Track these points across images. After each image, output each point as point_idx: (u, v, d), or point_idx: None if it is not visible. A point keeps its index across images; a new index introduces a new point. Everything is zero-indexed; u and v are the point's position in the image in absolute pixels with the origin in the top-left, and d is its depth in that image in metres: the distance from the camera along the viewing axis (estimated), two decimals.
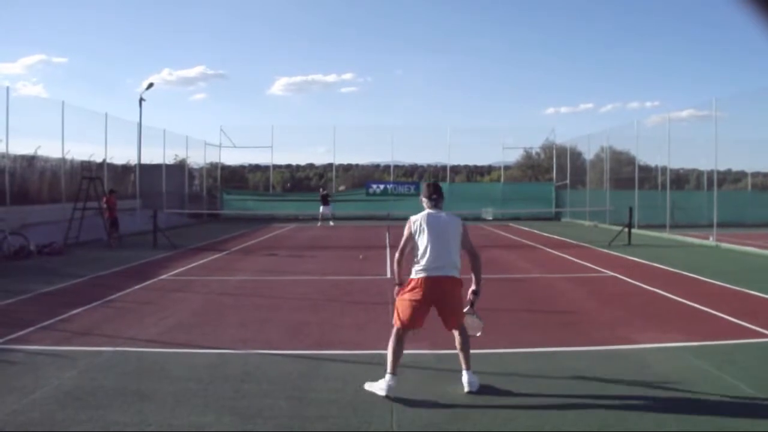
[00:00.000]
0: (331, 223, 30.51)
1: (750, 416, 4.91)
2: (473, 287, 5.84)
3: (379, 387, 5.36)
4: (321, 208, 30.87)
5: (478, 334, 5.93)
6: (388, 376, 5.40)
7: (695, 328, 8.06)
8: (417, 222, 5.74)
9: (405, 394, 5.37)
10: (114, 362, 6.45)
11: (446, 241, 5.65)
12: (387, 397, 5.25)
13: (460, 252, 5.77)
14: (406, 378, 5.81)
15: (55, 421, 4.75)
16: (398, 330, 5.57)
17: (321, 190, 33.72)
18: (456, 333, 5.75)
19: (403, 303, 5.61)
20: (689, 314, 9.02)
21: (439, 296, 5.57)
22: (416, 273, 5.62)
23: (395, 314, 5.65)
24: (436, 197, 5.88)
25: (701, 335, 7.56)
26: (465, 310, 5.86)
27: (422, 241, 5.65)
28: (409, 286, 5.63)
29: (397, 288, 5.83)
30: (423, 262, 5.59)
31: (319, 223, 30.55)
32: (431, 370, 6.17)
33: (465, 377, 5.59)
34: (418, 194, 35.39)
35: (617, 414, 4.93)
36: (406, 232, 5.78)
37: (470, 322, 5.89)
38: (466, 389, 5.51)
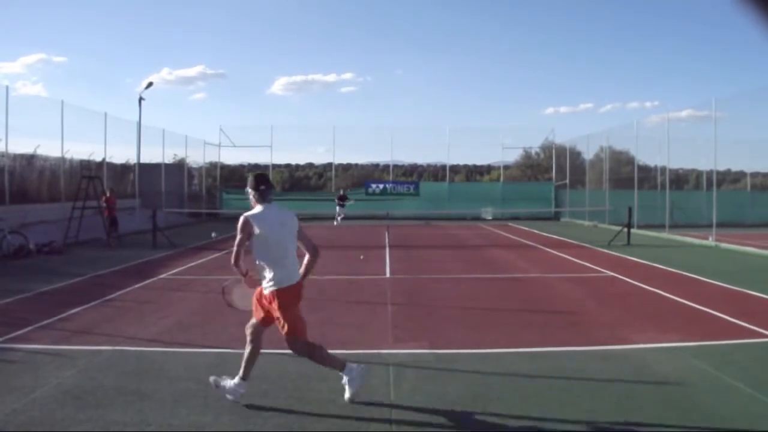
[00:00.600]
0: (335, 222, 30.73)
1: (748, 416, 4.91)
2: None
3: (227, 390, 5.13)
4: (337, 208, 31.25)
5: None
6: (240, 381, 5.19)
7: (694, 328, 8.06)
8: (259, 222, 5.14)
9: (404, 393, 5.38)
10: (113, 361, 6.45)
11: (292, 240, 5.29)
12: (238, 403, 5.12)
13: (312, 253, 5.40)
14: (406, 378, 5.82)
15: (54, 421, 4.75)
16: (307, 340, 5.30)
17: (340, 191, 33.81)
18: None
19: (296, 316, 5.22)
20: (688, 314, 9.03)
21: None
22: (282, 282, 5.12)
23: (296, 327, 5.19)
24: (264, 189, 5.31)
25: (700, 335, 7.57)
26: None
27: (273, 245, 5.15)
28: (290, 298, 5.16)
29: (243, 278, 5.35)
30: (283, 268, 5.15)
31: (335, 222, 30.82)
32: (431, 369, 6.17)
33: (234, 382, 5.26)
34: (417, 194, 35.82)
35: (616, 414, 4.94)
36: (241, 233, 5.14)
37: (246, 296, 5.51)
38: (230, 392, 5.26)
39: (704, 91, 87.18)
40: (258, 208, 5.26)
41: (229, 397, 5.16)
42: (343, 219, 31.10)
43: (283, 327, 5.17)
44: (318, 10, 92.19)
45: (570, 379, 5.85)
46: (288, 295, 5.11)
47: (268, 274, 5.13)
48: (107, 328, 7.98)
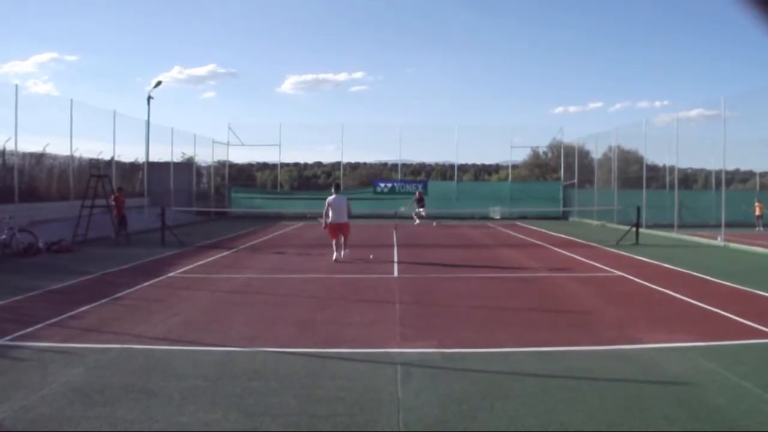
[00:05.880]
0: (417, 222, 30.19)
1: (757, 416, 4.89)
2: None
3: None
4: (416, 208, 30.76)
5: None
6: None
7: (703, 328, 8.03)
8: (329, 199, 14.91)
9: (412, 392, 5.38)
10: (122, 359, 6.48)
11: (341, 208, 14.89)
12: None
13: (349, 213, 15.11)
14: (414, 376, 5.82)
15: (63, 418, 4.78)
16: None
17: (419, 189, 33.53)
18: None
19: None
20: (697, 314, 8.99)
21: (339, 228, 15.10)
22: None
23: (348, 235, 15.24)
24: (333, 188, 15.27)
25: (709, 335, 7.54)
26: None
27: (331, 208, 14.84)
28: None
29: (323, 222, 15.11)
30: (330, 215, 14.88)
31: (416, 221, 30.25)
32: (438, 369, 6.17)
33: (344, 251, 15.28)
34: (425, 193, 36.04)
35: (625, 413, 4.92)
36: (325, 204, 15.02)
37: None
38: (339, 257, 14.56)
39: (714, 90, 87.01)
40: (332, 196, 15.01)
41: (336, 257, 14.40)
42: (422, 218, 30.36)
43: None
44: (330, 8, 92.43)
45: (578, 378, 5.84)
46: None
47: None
48: (115, 326, 8.02)
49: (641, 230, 21.05)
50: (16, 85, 20.49)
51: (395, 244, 19.01)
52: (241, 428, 4.64)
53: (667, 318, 8.69)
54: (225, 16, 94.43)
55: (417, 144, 57.54)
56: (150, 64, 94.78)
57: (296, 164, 52.23)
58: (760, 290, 10.77)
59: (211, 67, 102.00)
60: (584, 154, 37.05)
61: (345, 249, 15.40)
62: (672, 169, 27.61)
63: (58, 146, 23.97)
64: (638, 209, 20.79)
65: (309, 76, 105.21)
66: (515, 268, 14.21)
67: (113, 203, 20.57)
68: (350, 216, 15.22)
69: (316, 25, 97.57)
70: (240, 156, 43.36)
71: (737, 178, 37.37)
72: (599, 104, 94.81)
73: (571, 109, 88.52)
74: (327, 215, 14.88)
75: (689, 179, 36.71)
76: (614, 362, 6.45)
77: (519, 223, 31.68)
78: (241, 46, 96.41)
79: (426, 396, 5.30)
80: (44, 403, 5.08)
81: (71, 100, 23.74)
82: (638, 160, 29.65)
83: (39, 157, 23.67)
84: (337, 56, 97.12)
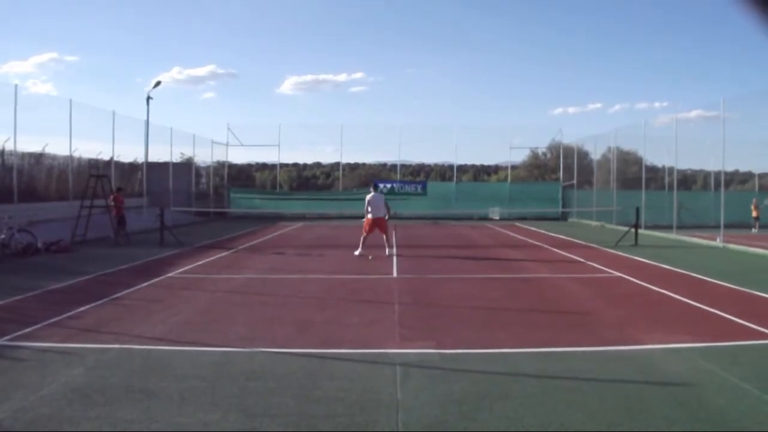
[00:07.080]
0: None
1: (755, 417, 4.89)
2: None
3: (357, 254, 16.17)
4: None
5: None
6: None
7: (702, 329, 8.03)
8: (369, 197, 16.68)
9: (411, 393, 5.38)
10: (121, 359, 6.47)
11: (380, 204, 16.60)
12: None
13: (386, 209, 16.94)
14: (413, 377, 5.82)
15: (62, 418, 4.77)
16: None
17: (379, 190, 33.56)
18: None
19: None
20: (696, 315, 9.00)
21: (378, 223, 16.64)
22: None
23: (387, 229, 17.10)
24: (373, 188, 17.37)
25: (708, 336, 7.54)
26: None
27: (371, 205, 16.56)
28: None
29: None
30: (371, 211, 16.58)
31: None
32: (437, 369, 6.17)
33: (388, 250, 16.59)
34: (424, 194, 36.04)
35: (625, 414, 4.92)
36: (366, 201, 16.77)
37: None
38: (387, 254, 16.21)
39: (714, 92, 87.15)
40: (372, 194, 16.77)
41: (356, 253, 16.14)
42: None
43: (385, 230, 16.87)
44: (330, 8, 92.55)
45: (577, 379, 5.84)
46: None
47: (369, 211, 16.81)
48: (115, 326, 8.01)
49: (640, 231, 21.06)
50: (16, 85, 20.56)
51: (394, 244, 19.02)
52: (240, 428, 4.63)
53: (666, 319, 8.69)
54: (225, 16, 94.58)
55: (416, 144, 57.62)
56: (150, 64, 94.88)
57: (295, 165, 52.25)
58: (759, 291, 10.78)
59: (210, 67, 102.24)
60: (583, 155, 37.08)
61: (390, 248, 16.92)
62: (671, 170, 27.61)
63: (57, 146, 24.03)
64: (637, 210, 20.80)
65: (309, 77, 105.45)
66: (514, 269, 14.22)
67: (112, 203, 20.55)
68: (389, 211, 17.28)
69: (316, 25, 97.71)
70: (239, 156, 43.46)
71: (736, 179, 37.39)
72: (598, 105, 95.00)
73: (571, 110, 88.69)
74: (368, 210, 16.63)
75: (688, 180, 36.74)
76: (614, 363, 6.45)
77: (518, 223, 31.69)
78: (241, 46, 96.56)
79: (425, 396, 5.30)
80: (44, 403, 5.07)
81: (70, 100, 23.76)
82: (637, 161, 29.66)
83: (38, 157, 23.66)
84: (337, 57, 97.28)
